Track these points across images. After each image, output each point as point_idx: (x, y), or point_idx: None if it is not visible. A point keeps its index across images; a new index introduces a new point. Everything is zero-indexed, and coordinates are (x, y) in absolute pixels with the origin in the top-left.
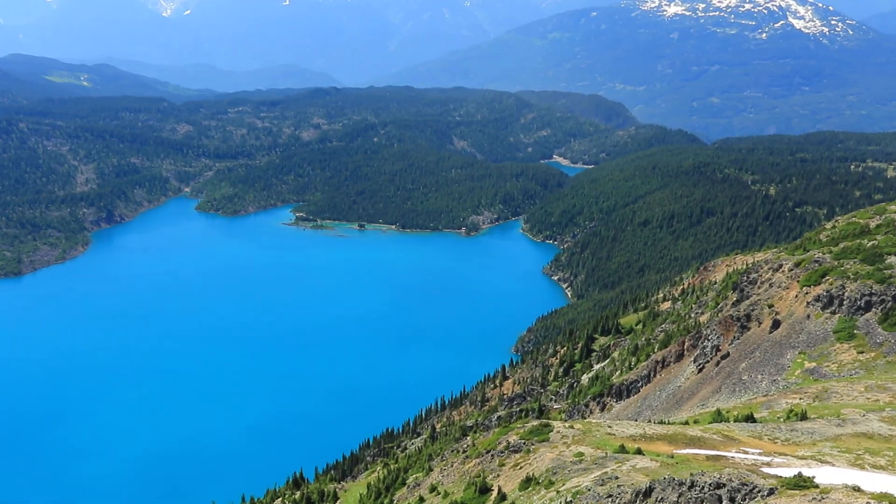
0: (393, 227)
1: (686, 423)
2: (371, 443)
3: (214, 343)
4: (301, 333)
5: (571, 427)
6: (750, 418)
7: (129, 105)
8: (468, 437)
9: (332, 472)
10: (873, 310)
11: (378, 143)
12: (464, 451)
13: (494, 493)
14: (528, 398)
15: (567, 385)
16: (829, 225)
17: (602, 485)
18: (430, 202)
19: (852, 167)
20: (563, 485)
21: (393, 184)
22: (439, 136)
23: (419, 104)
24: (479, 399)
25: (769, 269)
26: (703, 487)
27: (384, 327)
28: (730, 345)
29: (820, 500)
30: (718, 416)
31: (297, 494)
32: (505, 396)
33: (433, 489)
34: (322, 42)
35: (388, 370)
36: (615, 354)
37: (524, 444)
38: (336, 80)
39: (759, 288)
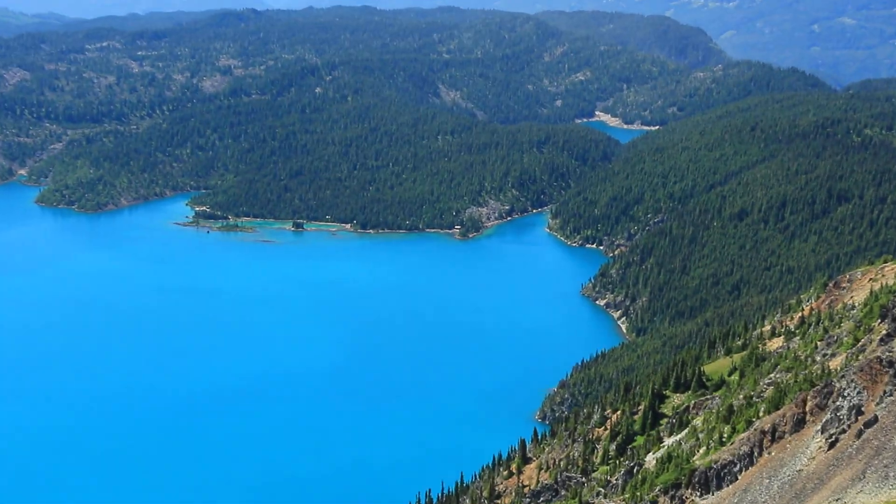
0: (348, 226)
1: None
2: None
3: (54, 438)
4: (209, 402)
5: None
6: None
7: None
8: None
9: None
10: None
11: (323, 97)
12: None
13: None
14: (563, 491)
15: (623, 470)
16: None
17: None
18: (406, 188)
19: None
20: None
21: (347, 159)
22: (418, 85)
23: (386, 35)
24: (485, 495)
25: None
26: None
27: (340, 386)
28: (879, 404)
29: None
30: None
31: None
32: (526, 490)
33: None
34: None
35: (347, 451)
36: (698, 422)
37: None
38: None
39: None
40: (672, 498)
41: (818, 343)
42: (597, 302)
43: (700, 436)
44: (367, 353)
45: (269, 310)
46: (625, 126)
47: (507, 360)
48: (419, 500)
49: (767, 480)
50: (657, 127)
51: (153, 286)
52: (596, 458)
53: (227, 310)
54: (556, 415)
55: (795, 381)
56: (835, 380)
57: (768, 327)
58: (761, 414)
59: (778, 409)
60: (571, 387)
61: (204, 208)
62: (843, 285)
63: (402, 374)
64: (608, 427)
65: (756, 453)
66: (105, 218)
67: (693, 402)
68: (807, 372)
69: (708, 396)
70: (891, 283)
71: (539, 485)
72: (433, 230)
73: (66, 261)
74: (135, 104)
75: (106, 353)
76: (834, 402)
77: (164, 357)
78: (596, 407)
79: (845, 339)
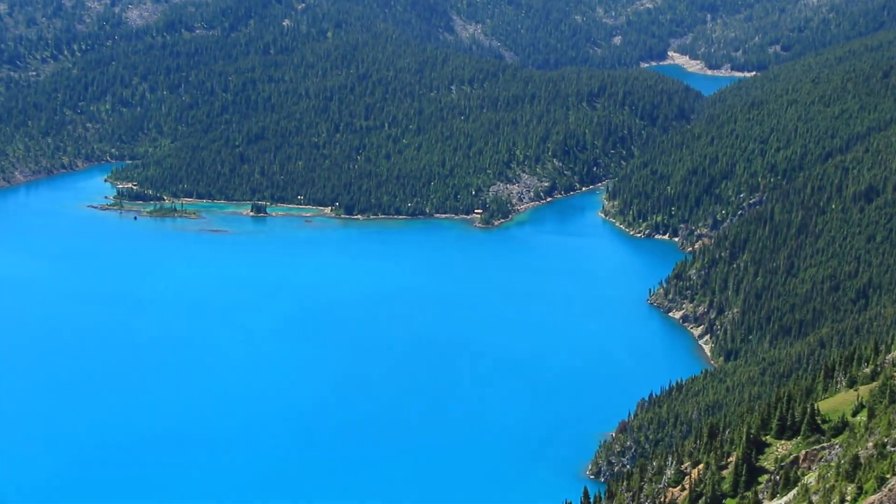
0: (327, 210)
1: None
2: None
3: None
4: (138, 457)
5: None
6: None
7: None
8: None
9: None
10: None
11: (293, 33)
12: None
13: None
14: None
15: None
16: None
17: None
18: (408, 158)
19: None
20: None
21: (326, 119)
22: (424, 17)
23: None
24: None
25: None
26: None
27: (322, 431)
28: None
29: None
30: None
31: None
32: None
33: None
34: None
35: None
36: (810, 479)
37: None
38: None
39: None
40: None
41: None
42: (670, 314)
43: (814, 498)
44: (358, 387)
45: (222, 327)
46: (708, 72)
47: (547, 396)
48: None
49: None
50: (753, 73)
51: (61, 294)
52: None
53: (163, 327)
54: (615, 469)
55: None
56: None
57: None
58: None
59: None
60: (635, 431)
61: (130, 186)
62: None
63: (406, 415)
64: (687, 486)
65: None
66: None
67: (804, 451)
68: None
69: (824, 444)
70: None
71: None
72: (445, 216)
73: None
74: (34, 42)
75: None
76: None
77: (75, 395)
78: (670, 459)
79: None
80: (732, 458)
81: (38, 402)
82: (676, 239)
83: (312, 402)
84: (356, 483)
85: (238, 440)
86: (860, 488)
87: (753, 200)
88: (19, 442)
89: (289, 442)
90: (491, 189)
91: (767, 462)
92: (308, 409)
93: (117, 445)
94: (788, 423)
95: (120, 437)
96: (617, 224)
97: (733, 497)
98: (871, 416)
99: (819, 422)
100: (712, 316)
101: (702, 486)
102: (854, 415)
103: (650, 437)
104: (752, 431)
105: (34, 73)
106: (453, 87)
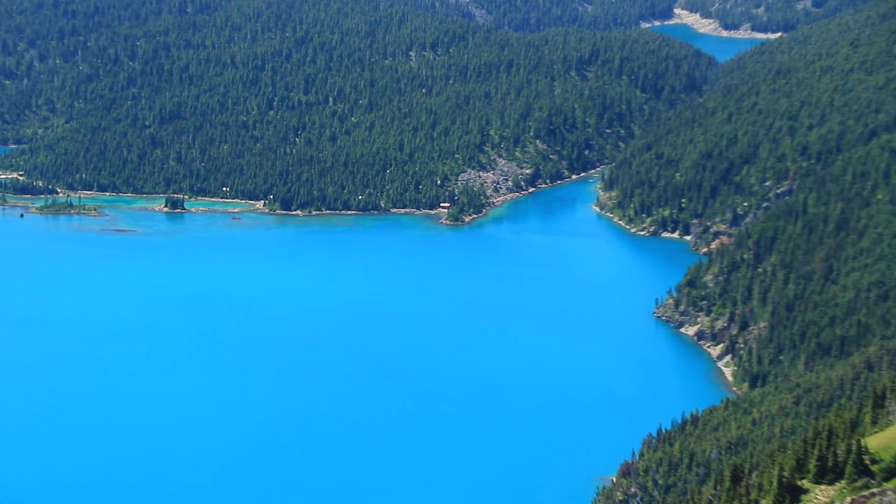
0: (259, 205)
1: None
2: None
3: None
4: None
5: None
6: None
7: None
8: None
9: None
10: None
11: None
12: None
13: None
14: None
15: None
16: None
17: None
18: (358, 140)
19: None
20: None
21: (257, 92)
22: None
23: None
24: None
25: None
26: None
27: (252, 475)
28: None
29: None
30: None
31: None
32: None
33: None
34: None
35: None
36: None
37: None
38: None
39: None
40: None
41: None
42: (681, 330)
43: None
44: (298, 426)
45: (132, 352)
46: (724, 33)
47: (534, 432)
48: None
49: None
50: (778, 34)
51: None
52: None
53: (57, 352)
54: None
55: None
56: None
57: None
58: None
59: None
60: (641, 475)
61: (15, 176)
62: None
63: (361, 460)
64: None
65: None
66: None
67: (849, 499)
68: None
69: (874, 490)
70: None
71: None
72: (404, 211)
73: None
74: None
75: None
76: None
77: None
78: None
79: None
80: None
81: None
82: (688, 238)
83: (243, 444)
84: None
85: (150, 492)
86: None
87: (782, 190)
88: None
89: (215, 492)
90: (460, 178)
91: None
92: (238, 454)
93: None
94: (830, 464)
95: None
96: (615, 220)
97: None
98: None
99: (868, 462)
100: (734, 332)
101: None
102: None
103: (659, 482)
104: (786, 474)
105: None
106: (412, 54)
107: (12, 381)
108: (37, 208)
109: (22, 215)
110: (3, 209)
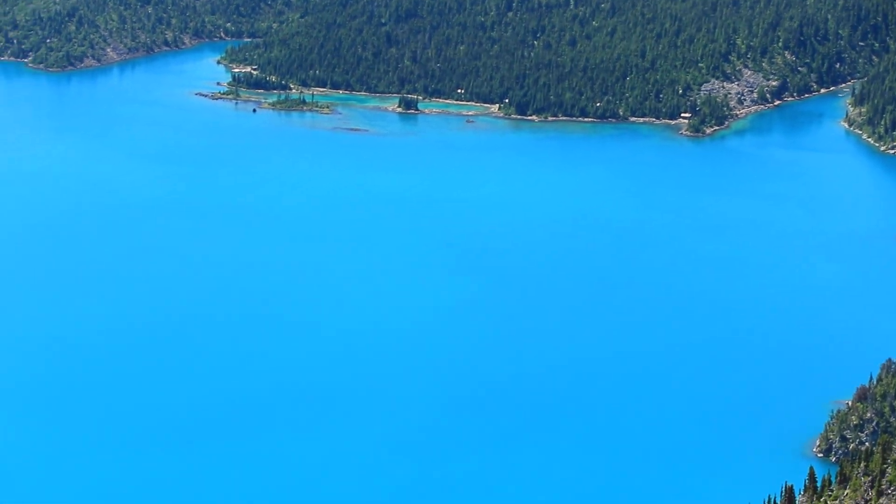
0: (494, 108)
1: None
2: None
3: None
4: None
5: None
6: None
7: None
8: None
9: None
10: None
11: None
12: None
13: None
14: None
15: None
16: None
17: None
18: (597, 45)
19: None
20: None
21: None
22: None
23: None
24: None
25: None
26: None
27: (478, 389)
28: None
29: None
30: None
31: None
32: None
33: None
34: None
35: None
36: None
37: None
38: None
39: None
40: None
41: None
42: None
43: None
44: (529, 339)
45: (359, 254)
46: None
47: (768, 354)
48: None
49: None
50: None
51: (161, 205)
52: None
53: (286, 252)
54: (849, 447)
55: None
56: None
57: None
58: None
59: None
60: (878, 400)
61: (248, 70)
62: None
63: (588, 373)
64: None
65: None
66: (79, 81)
67: None
68: None
69: None
70: None
71: None
72: (643, 120)
73: (10, 153)
74: None
75: (77, 321)
76: None
77: (167, 337)
78: None
79: None
80: None
81: (130, 336)
82: None
83: (468, 356)
84: (536, 460)
85: (370, 402)
86: None
87: None
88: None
89: (437, 407)
90: (703, 88)
91: None
92: (461, 367)
93: (222, 401)
94: None
95: (228, 393)
96: (864, 137)
97: None
98: None
99: None
100: None
101: None
102: None
103: None
104: None
105: None
106: None
107: (241, 282)
108: (269, 104)
109: (255, 110)
110: (237, 104)
